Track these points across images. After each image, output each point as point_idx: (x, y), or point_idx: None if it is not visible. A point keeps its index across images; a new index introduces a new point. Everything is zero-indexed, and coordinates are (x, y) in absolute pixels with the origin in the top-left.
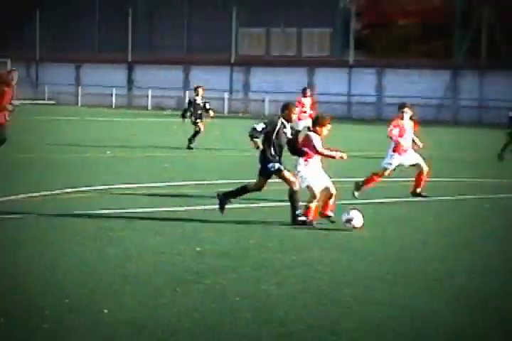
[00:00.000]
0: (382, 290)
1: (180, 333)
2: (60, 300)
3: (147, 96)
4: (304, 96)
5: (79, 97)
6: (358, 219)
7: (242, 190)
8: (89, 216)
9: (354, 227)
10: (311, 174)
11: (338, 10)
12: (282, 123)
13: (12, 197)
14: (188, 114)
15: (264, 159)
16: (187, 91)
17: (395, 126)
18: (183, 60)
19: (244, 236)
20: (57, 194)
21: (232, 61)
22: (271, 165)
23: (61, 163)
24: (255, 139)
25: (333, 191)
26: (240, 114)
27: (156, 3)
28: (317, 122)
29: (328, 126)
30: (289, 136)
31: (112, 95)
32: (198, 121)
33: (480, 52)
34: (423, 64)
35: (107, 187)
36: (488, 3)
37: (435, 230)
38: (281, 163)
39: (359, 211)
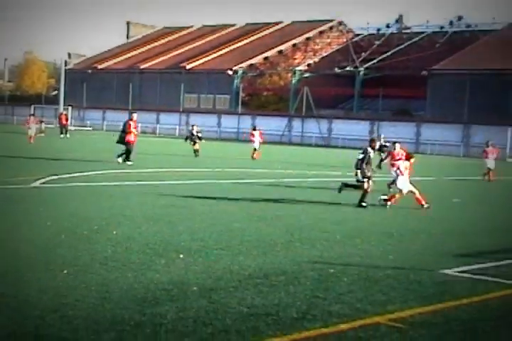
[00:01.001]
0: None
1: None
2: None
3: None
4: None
5: (104, 126)
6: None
7: (355, 186)
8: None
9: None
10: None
11: (233, 86)
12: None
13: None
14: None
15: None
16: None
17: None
18: (156, 108)
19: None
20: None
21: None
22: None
23: None
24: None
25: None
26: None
27: None
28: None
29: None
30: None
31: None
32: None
33: (302, 109)
34: (274, 114)
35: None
36: (306, 86)
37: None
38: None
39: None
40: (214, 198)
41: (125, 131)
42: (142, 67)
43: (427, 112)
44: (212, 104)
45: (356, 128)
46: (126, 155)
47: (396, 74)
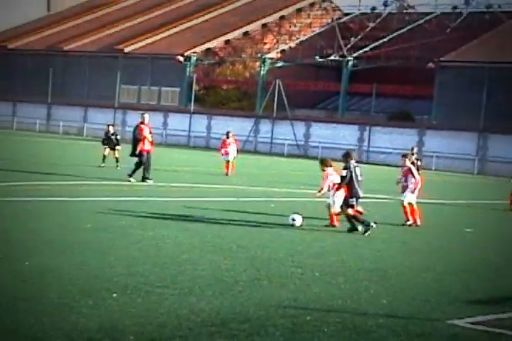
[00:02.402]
0: None
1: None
2: None
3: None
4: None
5: (14, 123)
6: (298, 220)
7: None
8: None
9: (293, 225)
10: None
11: (185, 77)
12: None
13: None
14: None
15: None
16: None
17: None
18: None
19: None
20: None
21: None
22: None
23: None
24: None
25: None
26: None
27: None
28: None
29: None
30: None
31: (34, 124)
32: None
33: (273, 108)
34: (237, 114)
35: None
36: (278, 78)
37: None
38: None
39: (299, 214)
40: (156, 221)
41: (137, 138)
42: (66, 48)
43: (432, 116)
44: (157, 99)
45: (341, 135)
46: (140, 168)
47: (394, 66)
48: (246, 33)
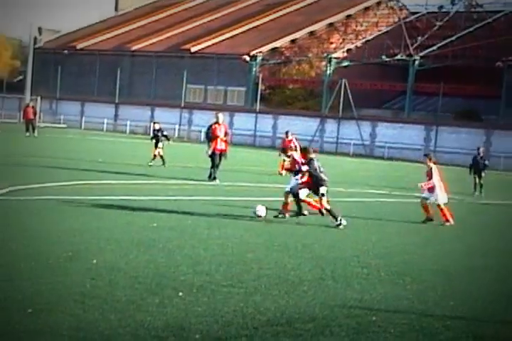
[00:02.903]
0: None
1: None
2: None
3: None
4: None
5: (83, 123)
6: (261, 210)
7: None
8: None
9: (258, 216)
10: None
11: (251, 77)
12: None
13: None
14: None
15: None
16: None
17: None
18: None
19: None
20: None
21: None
22: None
23: None
24: None
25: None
26: (185, 139)
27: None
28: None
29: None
30: None
31: (102, 123)
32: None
33: (338, 108)
34: (302, 114)
35: None
36: (344, 78)
37: None
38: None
39: (263, 205)
40: (222, 220)
41: (210, 138)
42: (134, 48)
43: (500, 116)
44: (223, 98)
45: (407, 135)
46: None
47: (461, 65)
48: (312, 33)
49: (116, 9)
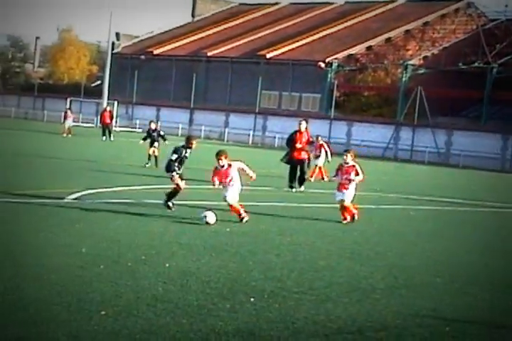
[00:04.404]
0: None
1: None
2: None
3: (201, 130)
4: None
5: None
6: (211, 217)
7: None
8: None
9: (207, 223)
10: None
11: (326, 83)
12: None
13: None
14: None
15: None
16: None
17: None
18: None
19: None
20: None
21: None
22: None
23: None
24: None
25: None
26: (259, 145)
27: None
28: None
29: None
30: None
31: (176, 128)
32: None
33: (413, 115)
34: (377, 121)
35: None
36: (420, 85)
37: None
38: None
39: (213, 211)
40: (294, 226)
41: (289, 145)
42: (209, 54)
43: None
44: (297, 104)
45: (484, 143)
46: (300, 178)
47: None
48: (388, 40)
49: (193, 15)
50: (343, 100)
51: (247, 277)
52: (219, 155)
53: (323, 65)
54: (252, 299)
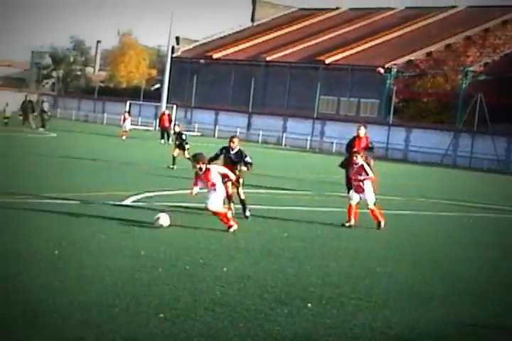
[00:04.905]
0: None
1: None
2: None
3: (259, 135)
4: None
5: (216, 131)
6: (165, 219)
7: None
8: None
9: (160, 225)
10: None
11: (385, 89)
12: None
13: None
14: None
15: None
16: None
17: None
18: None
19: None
20: None
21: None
22: None
23: None
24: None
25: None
26: (317, 150)
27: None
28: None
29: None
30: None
31: (234, 132)
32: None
33: (473, 122)
34: (436, 127)
35: None
36: (480, 92)
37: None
38: None
39: (167, 214)
40: (352, 231)
41: (350, 151)
42: (268, 58)
43: None
44: (356, 110)
45: None
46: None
47: None
48: (448, 46)
49: (252, 20)
50: (401, 106)
51: (305, 282)
52: (196, 159)
53: (382, 70)
54: (309, 304)
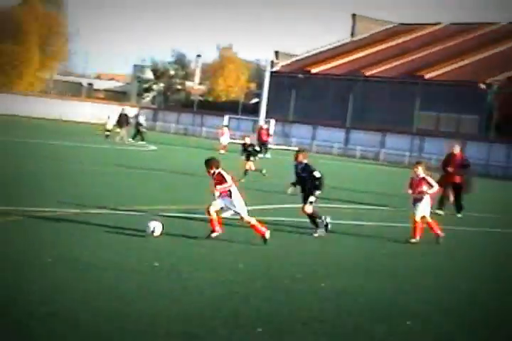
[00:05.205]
0: None
1: None
2: None
3: (356, 150)
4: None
5: (313, 146)
6: (156, 227)
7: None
8: None
9: (153, 233)
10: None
11: (485, 105)
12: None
13: None
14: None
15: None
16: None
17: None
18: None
19: None
20: None
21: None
22: None
23: None
24: None
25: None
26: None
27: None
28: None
29: None
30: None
31: (331, 147)
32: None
33: None
34: None
35: None
36: None
37: None
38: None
39: (160, 222)
40: (453, 248)
41: (444, 169)
42: (367, 73)
43: None
44: (455, 126)
45: None
46: (456, 204)
47: None
48: None
49: (352, 35)
50: (502, 122)
51: (403, 299)
52: (208, 164)
53: (483, 86)
54: (408, 322)
